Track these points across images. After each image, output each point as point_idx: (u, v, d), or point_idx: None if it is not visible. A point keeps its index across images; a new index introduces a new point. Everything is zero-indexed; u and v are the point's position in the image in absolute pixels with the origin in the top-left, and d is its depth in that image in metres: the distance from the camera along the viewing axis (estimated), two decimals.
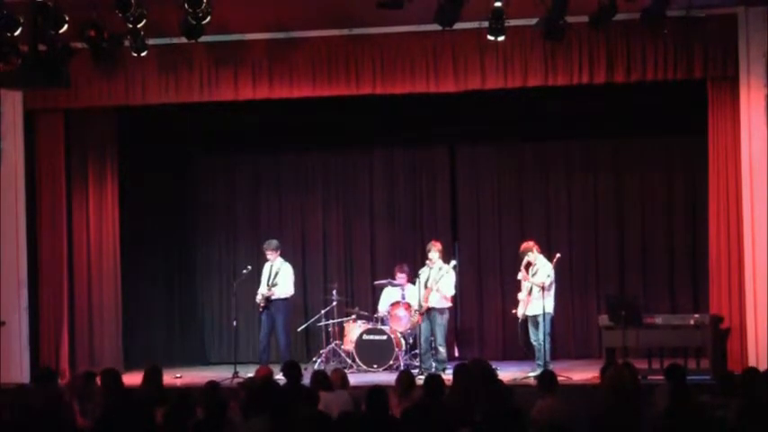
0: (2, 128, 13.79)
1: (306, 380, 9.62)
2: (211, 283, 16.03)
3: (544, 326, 12.68)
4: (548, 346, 12.72)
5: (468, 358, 12.02)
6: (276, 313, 13.70)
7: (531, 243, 13.06)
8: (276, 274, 13.74)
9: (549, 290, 12.72)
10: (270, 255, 13.86)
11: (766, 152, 12.59)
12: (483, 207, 15.54)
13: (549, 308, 12.72)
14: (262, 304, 13.75)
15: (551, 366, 12.48)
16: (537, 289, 12.75)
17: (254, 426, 7.52)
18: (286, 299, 13.79)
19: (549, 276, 12.74)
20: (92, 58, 12.19)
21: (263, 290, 13.79)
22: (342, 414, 7.28)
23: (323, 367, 13.11)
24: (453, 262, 13.48)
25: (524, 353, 13.33)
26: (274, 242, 13.99)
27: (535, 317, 12.78)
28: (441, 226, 15.44)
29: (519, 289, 13.04)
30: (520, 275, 12.99)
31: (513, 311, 13.14)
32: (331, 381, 9.14)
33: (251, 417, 7.68)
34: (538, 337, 12.78)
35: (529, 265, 12.93)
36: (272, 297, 13.67)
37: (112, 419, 7.33)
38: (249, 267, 13.95)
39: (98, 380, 9.29)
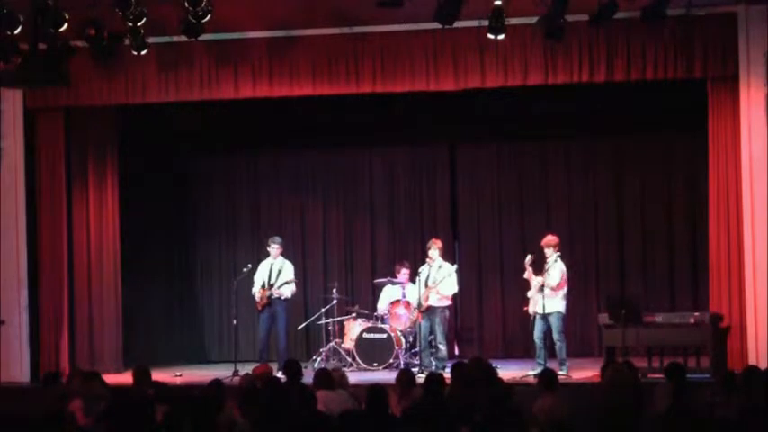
0: (2, 127, 13.79)
1: (306, 378, 9.62)
2: (211, 282, 16.02)
3: (558, 325, 12.65)
4: (563, 344, 12.68)
5: (468, 356, 12.02)
6: (278, 313, 13.64)
7: (553, 240, 12.88)
8: (279, 272, 13.68)
9: (557, 290, 12.68)
10: (274, 251, 13.77)
11: (766, 152, 12.59)
12: (483, 206, 15.53)
13: (559, 307, 12.70)
14: (262, 303, 13.69)
15: (567, 364, 12.52)
16: (547, 288, 12.70)
17: (251, 424, 7.51)
18: (288, 298, 13.76)
19: (562, 272, 12.68)
20: (92, 57, 12.20)
21: (257, 288, 13.66)
22: (342, 413, 7.27)
23: (323, 366, 13.10)
24: (455, 265, 13.47)
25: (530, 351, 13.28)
26: (278, 238, 13.92)
27: (543, 315, 12.74)
28: (441, 225, 15.43)
29: (529, 286, 12.96)
30: (526, 274, 12.92)
31: (525, 308, 13.09)
32: (333, 379, 9.13)
33: (249, 415, 7.67)
34: (539, 335, 12.77)
35: (533, 262, 12.83)
36: (281, 297, 13.60)
37: (108, 419, 7.33)
38: (249, 266, 13.91)
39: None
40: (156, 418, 7.42)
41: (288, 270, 13.72)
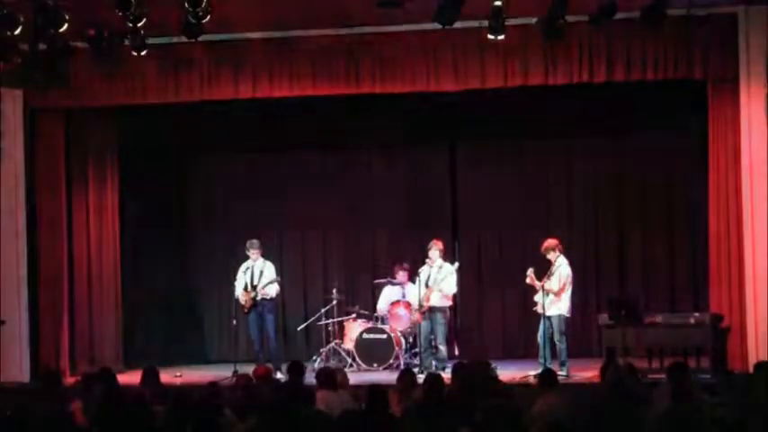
0: (2, 128, 13.78)
1: (306, 379, 9.63)
2: (211, 282, 16.01)
3: (559, 327, 12.67)
4: (564, 345, 12.70)
5: (469, 357, 12.02)
6: (266, 313, 13.60)
7: (553, 242, 12.91)
8: (261, 273, 13.66)
9: (559, 294, 12.68)
10: (253, 254, 13.73)
11: (766, 152, 12.59)
12: (483, 206, 15.52)
13: (561, 309, 12.70)
14: (248, 305, 13.65)
15: (567, 365, 12.55)
16: (550, 293, 12.68)
17: (251, 425, 7.51)
18: (273, 298, 13.75)
19: (565, 276, 12.68)
20: (92, 57, 12.19)
21: (240, 291, 13.62)
22: (342, 413, 7.28)
23: (322, 366, 13.09)
24: (456, 264, 13.47)
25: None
26: (256, 241, 13.85)
27: (546, 316, 12.73)
28: (441, 225, 15.39)
29: (535, 289, 12.94)
30: (528, 280, 12.89)
31: (534, 309, 13.08)
32: (336, 379, 9.13)
33: (248, 416, 7.66)
34: (542, 335, 12.76)
35: (549, 264, 12.81)
36: (266, 297, 13.59)
37: (109, 418, 7.33)
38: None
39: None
40: (155, 419, 7.42)
41: (270, 270, 13.69)
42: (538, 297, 12.85)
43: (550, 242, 12.93)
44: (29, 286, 13.84)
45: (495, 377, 9.30)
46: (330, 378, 9.07)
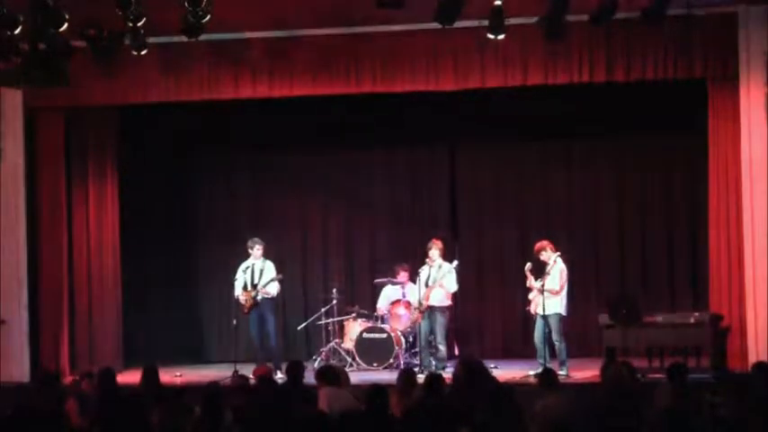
0: (2, 127, 13.79)
1: (307, 379, 9.62)
2: (211, 282, 16.00)
3: (557, 326, 12.67)
4: (563, 345, 12.69)
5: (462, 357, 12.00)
6: (266, 312, 13.58)
7: (544, 243, 12.94)
8: (261, 272, 13.65)
9: (558, 292, 12.68)
10: (256, 251, 13.67)
11: (766, 152, 12.60)
12: (483, 206, 15.53)
13: (558, 308, 12.70)
14: (249, 305, 13.63)
15: (567, 365, 12.55)
16: (548, 291, 12.68)
17: (249, 425, 7.51)
18: (274, 297, 13.75)
19: (561, 273, 12.68)
20: (92, 57, 12.19)
21: (240, 291, 13.59)
22: (342, 413, 7.27)
23: (323, 365, 13.09)
24: (455, 262, 13.47)
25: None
26: (259, 239, 13.82)
27: (543, 316, 12.74)
28: (441, 225, 15.40)
29: (530, 288, 12.96)
30: (528, 283, 12.89)
31: (527, 309, 13.08)
32: (339, 375, 9.12)
33: (249, 416, 7.66)
34: (539, 336, 12.76)
35: (543, 265, 12.83)
36: (267, 296, 13.58)
37: (107, 418, 7.33)
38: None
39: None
40: (152, 419, 7.42)
41: (270, 268, 13.66)
42: (532, 296, 12.86)
43: (542, 243, 12.95)
44: (29, 286, 13.84)
45: (490, 377, 9.29)
46: (333, 374, 9.07)
